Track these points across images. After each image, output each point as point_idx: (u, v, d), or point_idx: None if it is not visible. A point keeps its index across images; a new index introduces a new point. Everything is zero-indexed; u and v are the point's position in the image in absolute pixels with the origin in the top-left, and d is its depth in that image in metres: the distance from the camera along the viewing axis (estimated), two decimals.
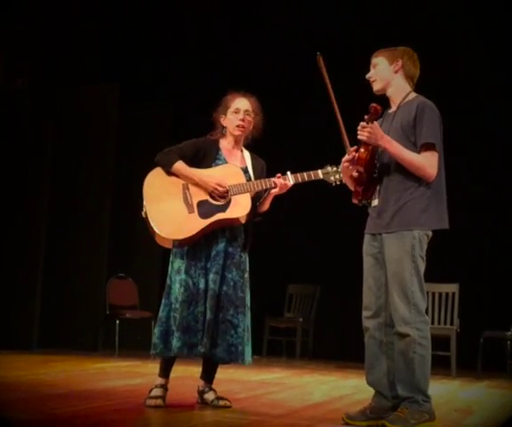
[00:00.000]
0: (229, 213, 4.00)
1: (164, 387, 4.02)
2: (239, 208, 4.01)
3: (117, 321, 7.93)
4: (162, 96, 9.12)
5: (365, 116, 3.57)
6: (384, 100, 3.78)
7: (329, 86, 3.69)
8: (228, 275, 4.01)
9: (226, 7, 8.95)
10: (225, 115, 4.18)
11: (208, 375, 4.14)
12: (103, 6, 9.05)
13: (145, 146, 8.70)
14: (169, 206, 4.02)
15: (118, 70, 8.86)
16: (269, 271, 9.05)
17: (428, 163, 3.52)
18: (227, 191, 4.01)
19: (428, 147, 3.54)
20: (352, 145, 3.71)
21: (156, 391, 3.98)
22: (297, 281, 9.07)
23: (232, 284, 4.00)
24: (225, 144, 4.19)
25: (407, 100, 3.67)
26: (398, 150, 3.54)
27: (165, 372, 4.06)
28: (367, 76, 3.74)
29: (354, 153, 3.66)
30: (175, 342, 3.90)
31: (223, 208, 4.00)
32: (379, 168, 3.66)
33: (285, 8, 8.64)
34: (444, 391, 5.66)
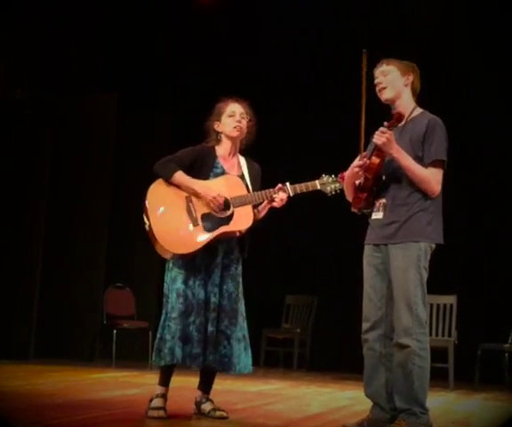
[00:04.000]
0: (233, 226, 3.99)
1: (164, 397, 4.01)
2: (242, 221, 4.01)
3: (114, 331, 7.91)
4: (161, 106, 9.14)
5: (386, 123, 3.57)
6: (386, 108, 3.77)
7: (364, 85, 3.67)
8: (224, 286, 4.01)
9: (227, 17, 8.99)
10: (219, 121, 4.16)
11: (205, 386, 4.13)
12: (103, 17, 9.09)
13: (143, 156, 8.73)
14: (173, 219, 3.99)
15: (117, 80, 8.89)
16: (267, 282, 9.06)
17: (434, 178, 3.56)
18: (223, 203, 3.99)
19: (436, 163, 3.57)
20: (352, 153, 3.71)
21: (157, 402, 3.95)
22: (295, 292, 9.07)
23: (227, 295, 4.01)
24: (221, 152, 4.17)
25: (414, 115, 3.69)
26: (409, 162, 3.56)
27: (164, 381, 4.04)
28: (377, 81, 3.71)
29: (366, 159, 3.65)
30: (177, 352, 3.88)
31: (227, 221, 4.00)
32: (385, 180, 3.67)
33: (288, 20, 8.69)
34: (442, 403, 5.66)
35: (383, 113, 3.70)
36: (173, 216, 4.00)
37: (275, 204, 4.07)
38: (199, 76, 8.88)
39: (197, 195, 4.02)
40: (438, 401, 5.68)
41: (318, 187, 4.03)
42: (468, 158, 8.09)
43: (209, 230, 3.97)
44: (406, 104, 3.70)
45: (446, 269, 7.68)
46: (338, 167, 4.02)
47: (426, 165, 3.57)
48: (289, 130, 8.84)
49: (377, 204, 3.69)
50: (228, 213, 4.00)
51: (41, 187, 8.05)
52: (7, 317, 7.76)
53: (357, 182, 3.72)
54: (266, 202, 4.10)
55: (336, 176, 4.04)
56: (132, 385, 5.82)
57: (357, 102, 3.69)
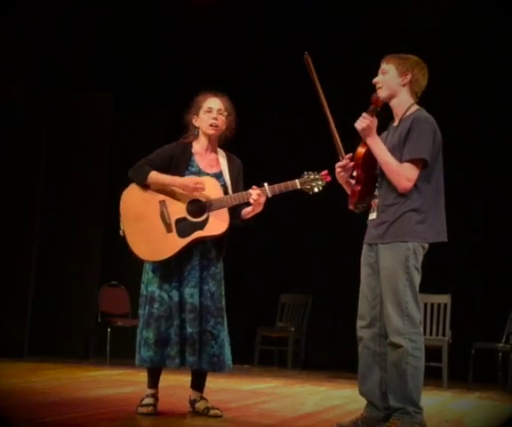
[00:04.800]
0: (208, 231, 3.94)
1: (155, 396, 4.03)
2: (217, 225, 3.95)
3: (109, 329, 7.91)
4: (156, 104, 9.13)
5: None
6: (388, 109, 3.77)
7: (318, 86, 3.69)
8: (205, 286, 3.98)
9: (224, 15, 8.98)
10: (197, 115, 4.13)
11: (198, 385, 4.13)
12: (99, 14, 9.07)
13: (139, 154, 8.71)
14: (146, 226, 3.98)
15: (113, 78, 8.87)
16: (262, 280, 9.07)
17: (405, 174, 3.52)
18: (194, 210, 3.95)
19: (411, 161, 3.54)
20: (347, 152, 3.71)
21: (148, 400, 3.99)
22: (289, 291, 9.07)
23: (209, 295, 3.98)
24: (197, 148, 4.13)
25: (408, 113, 3.66)
26: (381, 152, 3.55)
27: (152, 382, 4.06)
28: (374, 80, 3.70)
29: (348, 160, 3.67)
30: (153, 355, 3.92)
31: (201, 225, 3.95)
32: (379, 181, 3.67)
33: (286, 19, 8.69)
34: (436, 403, 5.67)
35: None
36: (147, 224, 3.98)
37: (249, 209, 4.01)
38: (196, 73, 8.86)
39: (175, 195, 3.98)
40: (432, 400, 5.69)
41: (298, 186, 3.94)
42: (464, 156, 8.09)
43: (183, 236, 3.93)
44: (401, 104, 3.68)
45: (440, 269, 7.69)
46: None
47: (402, 162, 3.56)
48: (286, 130, 8.85)
49: (372, 204, 3.70)
50: (204, 217, 3.96)
51: (35, 185, 8.05)
52: (2, 314, 7.75)
53: (351, 180, 3.73)
54: (251, 207, 4.01)
55: (318, 173, 3.96)
56: (127, 383, 5.82)
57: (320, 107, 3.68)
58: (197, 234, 3.93)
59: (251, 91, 8.68)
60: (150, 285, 4.02)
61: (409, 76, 3.66)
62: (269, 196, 3.96)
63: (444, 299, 7.69)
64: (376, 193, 3.68)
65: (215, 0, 9.05)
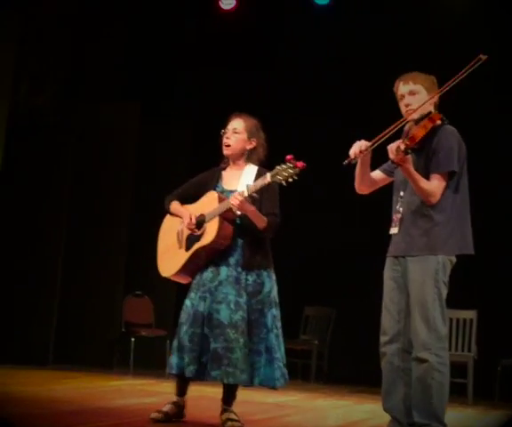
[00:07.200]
0: (203, 241, 4.03)
1: (176, 404, 4.05)
2: (208, 234, 4.02)
3: (133, 339, 7.93)
4: (183, 116, 9.18)
5: (405, 141, 3.45)
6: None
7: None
8: (240, 299, 3.96)
9: (250, 27, 9.04)
10: None
11: (224, 397, 4.10)
12: (127, 26, 9.16)
13: (165, 164, 8.77)
14: (166, 245, 4.26)
15: (140, 88, 8.94)
16: (286, 293, 9.00)
17: (434, 189, 3.50)
18: (195, 222, 4.06)
19: (438, 174, 3.52)
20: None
21: (165, 407, 4.03)
22: (313, 303, 9.03)
23: (245, 307, 3.96)
24: (227, 170, 4.22)
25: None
26: (413, 174, 3.51)
27: (177, 390, 4.10)
28: (405, 102, 3.63)
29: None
30: (174, 363, 3.97)
31: (199, 238, 4.07)
32: (403, 195, 3.64)
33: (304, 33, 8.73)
34: (461, 419, 5.60)
35: None
36: (167, 243, 4.25)
37: (233, 208, 3.95)
38: (224, 86, 8.89)
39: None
40: (457, 417, 5.61)
41: (269, 179, 3.84)
42: (491, 168, 8.01)
43: (188, 249, 4.09)
44: None
45: (466, 284, 7.60)
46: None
47: (430, 177, 3.52)
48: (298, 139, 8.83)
49: (394, 218, 3.67)
50: (202, 229, 4.07)
51: (62, 195, 8.11)
52: (27, 322, 7.81)
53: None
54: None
55: (289, 162, 3.79)
56: (149, 393, 5.82)
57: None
58: (196, 246, 4.06)
59: (279, 103, 8.69)
60: (186, 297, 4.14)
61: (436, 97, 3.63)
62: (246, 195, 3.91)
63: (470, 314, 7.61)
64: (398, 207, 3.66)
65: (242, 10, 9.10)
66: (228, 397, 4.10)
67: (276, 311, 4.08)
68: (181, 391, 4.09)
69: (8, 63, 7.45)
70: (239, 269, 4.02)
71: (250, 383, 3.98)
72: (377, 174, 3.82)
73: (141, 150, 8.62)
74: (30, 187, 8.07)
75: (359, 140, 3.62)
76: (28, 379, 6.16)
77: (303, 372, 8.89)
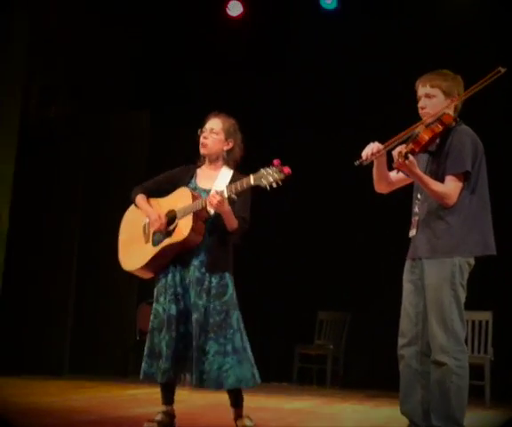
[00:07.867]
0: (174, 238, 3.98)
1: (166, 413, 3.99)
2: (181, 231, 3.97)
3: None
4: (193, 121, 9.17)
5: (410, 145, 3.44)
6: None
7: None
8: (200, 302, 3.94)
9: (259, 35, 9.05)
10: None
11: (232, 401, 4.05)
12: (137, 35, 9.21)
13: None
14: (129, 237, 4.21)
15: (150, 97, 8.96)
16: (300, 297, 9.02)
17: (449, 191, 3.48)
18: (165, 223, 4.01)
19: (453, 175, 3.49)
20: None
21: (156, 416, 3.97)
22: (328, 308, 9.00)
23: (203, 310, 3.93)
24: (203, 168, 4.20)
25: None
26: (423, 179, 3.50)
27: (163, 398, 4.04)
28: (421, 104, 3.62)
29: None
30: (145, 368, 4.02)
31: (170, 234, 4.01)
32: (420, 197, 3.62)
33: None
34: (478, 422, 5.55)
35: None
36: (131, 236, 4.20)
37: (209, 207, 3.91)
38: (232, 92, 8.89)
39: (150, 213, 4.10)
40: (475, 420, 5.56)
41: (252, 182, 3.76)
42: (510, 166, 7.95)
43: (156, 244, 4.03)
44: None
45: (482, 285, 7.54)
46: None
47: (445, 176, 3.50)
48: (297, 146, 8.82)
49: (413, 221, 3.66)
50: (173, 225, 4.02)
51: (74, 203, 8.13)
52: (41, 332, 7.83)
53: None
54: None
55: (276, 167, 3.71)
56: None
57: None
58: (166, 242, 4.00)
59: (287, 108, 8.68)
60: (154, 300, 4.09)
61: (455, 100, 3.60)
62: (226, 196, 3.86)
63: (486, 316, 7.55)
64: (416, 209, 3.64)
65: (249, 18, 9.11)
66: (236, 400, 4.04)
67: (238, 313, 4.02)
68: (167, 400, 4.03)
69: (19, 75, 7.48)
70: (203, 270, 3.97)
71: (220, 386, 3.90)
72: (395, 175, 3.79)
73: (152, 158, 8.62)
74: (43, 196, 8.09)
75: (373, 142, 3.61)
76: (44, 389, 6.16)
77: (318, 377, 8.87)
